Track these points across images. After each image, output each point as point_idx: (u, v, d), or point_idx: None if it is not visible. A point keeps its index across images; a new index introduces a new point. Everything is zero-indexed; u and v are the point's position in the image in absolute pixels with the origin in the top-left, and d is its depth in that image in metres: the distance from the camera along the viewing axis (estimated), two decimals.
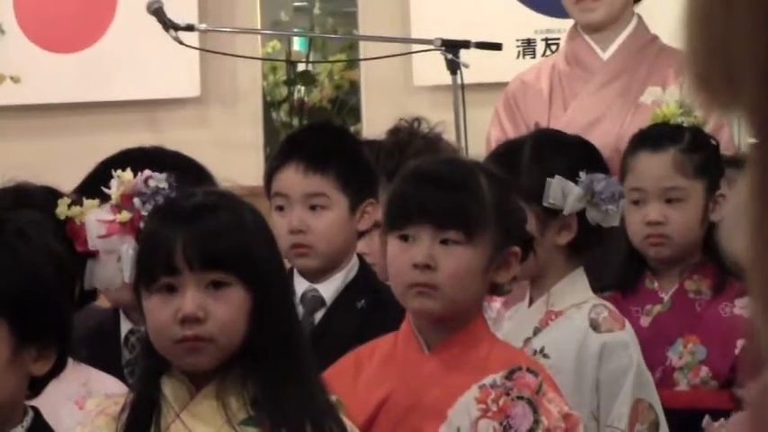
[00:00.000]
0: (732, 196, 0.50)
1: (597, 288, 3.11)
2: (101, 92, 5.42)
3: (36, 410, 2.22)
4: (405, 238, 2.51)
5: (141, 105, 5.40)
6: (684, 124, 3.22)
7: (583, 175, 2.89)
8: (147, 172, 2.45)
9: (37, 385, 2.20)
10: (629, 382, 2.87)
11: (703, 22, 0.59)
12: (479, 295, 2.57)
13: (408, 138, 3.31)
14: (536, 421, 2.50)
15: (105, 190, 2.53)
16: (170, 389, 2.30)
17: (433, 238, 2.50)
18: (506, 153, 3.01)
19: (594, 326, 2.87)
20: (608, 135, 3.78)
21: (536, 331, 2.89)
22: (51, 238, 2.41)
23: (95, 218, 2.50)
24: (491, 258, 2.53)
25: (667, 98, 3.38)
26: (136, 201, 2.45)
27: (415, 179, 2.63)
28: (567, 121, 3.79)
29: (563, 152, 3.01)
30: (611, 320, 2.88)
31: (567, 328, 2.89)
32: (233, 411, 2.28)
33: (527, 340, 2.88)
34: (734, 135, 4.09)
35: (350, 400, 2.44)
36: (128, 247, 2.40)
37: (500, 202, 2.57)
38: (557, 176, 2.88)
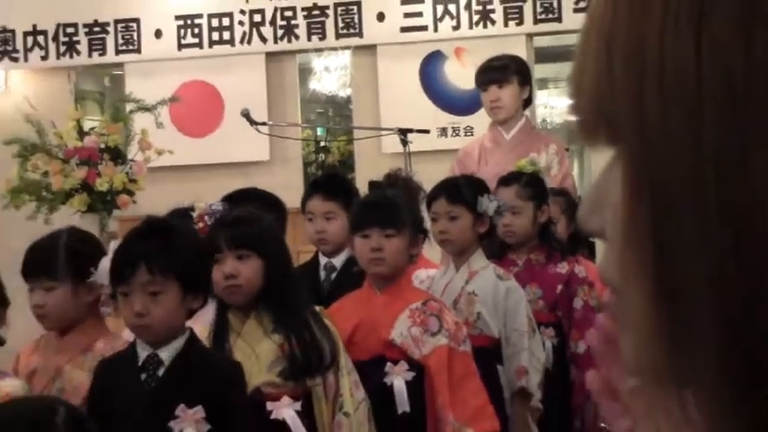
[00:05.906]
0: (614, 212, 0.58)
1: (486, 257, 3.53)
2: (217, 157, 6.58)
3: (191, 329, 2.40)
4: (365, 236, 2.99)
5: (239, 165, 6.54)
6: (528, 171, 3.87)
7: (492, 196, 3.43)
8: (212, 201, 2.69)
9: (190, 312, 2.42)
10: (523, 307, 3.33)
11: (591, 83, 0.56)
12: (405, 262, 3.04)
13: (395, 179, 3.75)
14: (440, 326, 2.90)
15: (191, 213, 2.83)
16: (232, 317, 2.58)
17: (379, 234, 2.96)
18: (451, 184, 3.46)
19: (499, 277, 3.36)
20: None
21: (467, 282, 3.33)
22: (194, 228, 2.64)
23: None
24: (409, 241, 3.00)
25: (538, 160, 4.04)
26: (206, 217, 2.68)
27: (367, 203, 3.11)
28: (488, 172, 4.39)
29: (479, 184, 3.52)
30: (505, 274, 3.40)
31: (484, 279, 3.33)
32: (266, 327, 2.53)
33: (463, 287, 3.32)
34: (575, 180, 4.70)
35: (338, 322, 2.79)
36: None
37: (411, 211, 3.07)
38: (485, 195, 3.39)
